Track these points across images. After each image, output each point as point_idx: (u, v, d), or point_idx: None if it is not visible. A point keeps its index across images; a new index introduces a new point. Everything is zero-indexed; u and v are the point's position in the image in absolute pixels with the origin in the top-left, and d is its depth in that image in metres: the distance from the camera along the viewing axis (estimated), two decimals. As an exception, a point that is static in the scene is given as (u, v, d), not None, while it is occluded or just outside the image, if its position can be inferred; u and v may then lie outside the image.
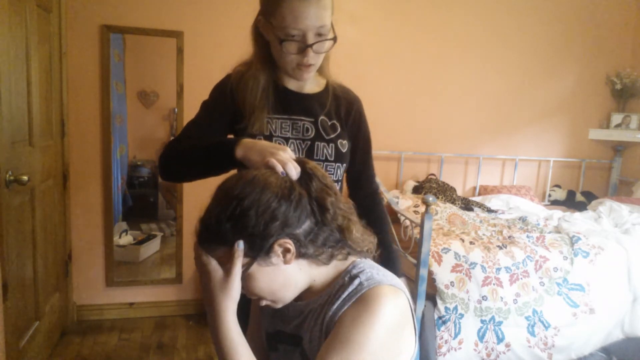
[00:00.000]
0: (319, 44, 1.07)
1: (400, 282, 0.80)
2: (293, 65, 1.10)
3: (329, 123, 1.21)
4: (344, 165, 1.24)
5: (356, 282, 0.76)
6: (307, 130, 1.18)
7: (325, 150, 1.19)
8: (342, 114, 1.24)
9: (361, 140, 1.29)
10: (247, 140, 0.95)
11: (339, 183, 1.25)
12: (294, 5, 1.01)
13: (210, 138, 1.10)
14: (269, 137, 1.14)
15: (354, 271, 0.79)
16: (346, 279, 0.78)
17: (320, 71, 1.21)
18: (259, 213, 0.71)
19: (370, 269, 0.79)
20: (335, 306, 0.75)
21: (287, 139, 1.16)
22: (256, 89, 1.14)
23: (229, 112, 1.18)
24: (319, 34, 1.06)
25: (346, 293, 0.75)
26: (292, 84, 1.20)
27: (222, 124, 1.18)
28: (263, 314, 0.96)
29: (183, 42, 2.60)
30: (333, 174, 1.21)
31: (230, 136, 1.19)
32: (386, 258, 1.28)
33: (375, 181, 1.35)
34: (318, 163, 1.16)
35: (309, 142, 1.17)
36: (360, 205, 1.28)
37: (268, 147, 0.88)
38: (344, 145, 1.22)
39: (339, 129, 1.22)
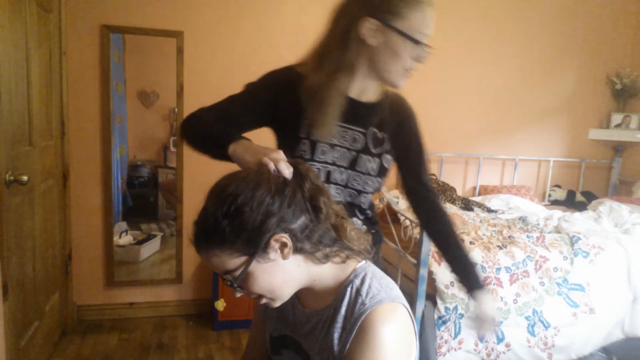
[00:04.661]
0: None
1: (397, 291, 0.81)
2: (400, 71, 1.07)
3: (379, 135, 1.16)
4: (384, 178, 1.22)
5: (359, 301, 0.77)
6: (355, 140, 1.14)
7: (369, 164, 1.16)
8: (394, 127, 1.19)
9: (413, 153, 1.23)
10: (245, 142, 0.95)
11: (371, 195, 1.23)
12: (427, 11, 1.03)
13: (221, 125, 1.07)
14: (315, 142, 1.11)
15: (356, 282, 0.80)
16: (348, 290, 0.79)
17: None
18: (254, 209, 0.72)
19: (371, 279, 0.80)
20: (341, 329, 0.77)
21: (332, 145, 1.13)
22: (340, 100, 1.08)
23: (272, 106, 1.13)
24: None
25: (350, 312, 0.77)
26: (352, 91, 1.14)
27: (258, 113, 1.14)
28: (267, 317, 0.96)
29: (183, 42, 2.60)
30: (371, 187, 1.18)
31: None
32: (466, 273, 1.27)
33: (431, 189, 1.27)
34: (359, 175, 1.15)
35: (354, 153, 1.14)
36: (422, 216, 1.28)
37: (262, 149, 0.88)
38: (388, 160, 1.19)
39: (386, 143, 1.18)
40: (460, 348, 1.98)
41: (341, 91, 1.08)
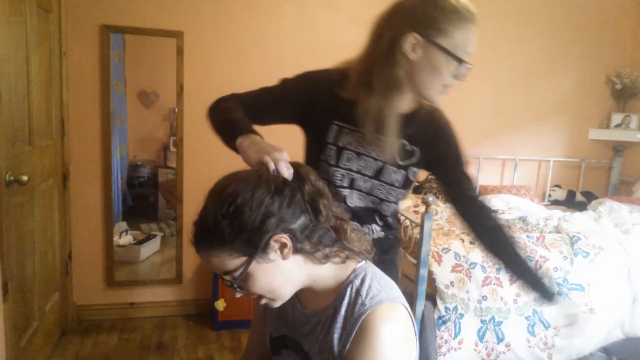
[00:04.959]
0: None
1: (397, 291, 0.81)
2: (439, 87, 1.05)
3: (408, 148, 1.15)
4: (408, 190, 1.21)
5: (359, 301, 0.77)
6: (383, 150, 1.12)
7: (394, 175, 1.15)
8: (429, 140, 1.16)
9: (451, 166, 1.23)
10: (253, 137, 0.95)
11: (397, 204, 1.22)
12: (472, 29, 1.02)
13: (243, 114, 1.07)
14: (341, 149, 1.11)
15: (356, 282, 0.80)
16: (348, 290, 0.79)
17: None
18: (254, 209, 0.72)
19: (370, 279, 0.80)
20: (341, 329, 0.77)
21: (359, 154, 1.12)
22: (397, 119, 1.05)
23: (302, 106, 1.13)
24: None
25: (350, 312, 0.77)
26: None
27: (287, 109, 1.15)
28: (267, 317, 0.96)
29: (183, 42, 2.60)
30: (394, 197, 1.18)
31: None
32: (531, 284, 1.23)
33: (475, 198, 1.27)
34: (382, 185, 1.15)
35: (380, 163, 1.13)
36: (473, 227, 1.26)
37: (266, 147, 0.88)
38: (415, 173, 1.18)
39: (415, 157, 1.16)
40: (460, 348, 1.98)
41: (396, 110, 1.06)
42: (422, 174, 3.21)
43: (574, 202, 3.35)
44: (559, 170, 3.53)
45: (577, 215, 2.77)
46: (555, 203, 3.40)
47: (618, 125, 3.43)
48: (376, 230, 1.20)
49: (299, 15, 2.75)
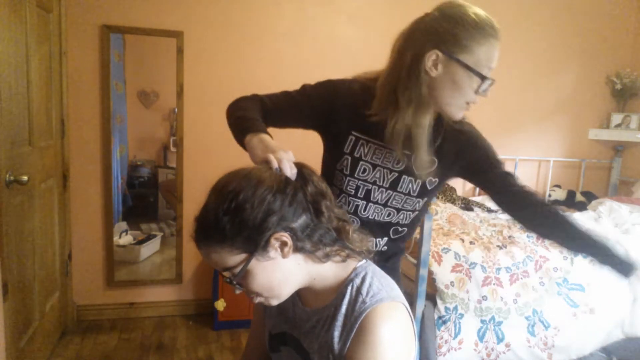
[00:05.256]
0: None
1: (398, 291, 0.81)
2: (461, 104, 1.05)
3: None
4: (425, 199, 1.19)
5: (359, 299, 0.77)
6: (399, 161, 1.11)
7: (410, 185, 1.14)
8: (454, 151, 1.15)
9: (486, 171, 1.21)
10: (262, 136, 0.95)
11: (415, 213, 1.20)
12: (495, 44, 1.02)
13: (258, 114, 1.07)
14: (357, 160, 1.12)
15: (357, 281, 0.80)
16: (349, 288, 0.79)
17: None
18: (255, 206, 0.72)
19: (371, 278, 0.80)
20: (342, 327, 0.77)
21: (374, 165, 1.12)
22: (427, 135, 1.04)
23: (321, 114, 1.13)
24: None
25: (350, 311, 0.77)
26: None
27: (305, 115, 1.15)
28: (267, 314, 0.97)
29: (183, 42, 2.60)
30: (410, 206, 1.17)
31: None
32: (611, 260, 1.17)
33: (526, 195, 1.21)
34: (399, 195, 1.14)
35: (396, 174, 1.13)
36: (539, 221, 1.19)
37: (272, 146, 0.89)
38: (433, 182, 1.16)
39: (433, 166, 1.13)
40: (460, 348, 1.98)
41: (424, 127, 1.04)
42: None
43: (574, 202, 3.35)
44: (559, 170, 3.53)
45: (577, 215, 2.77)
46: (555, 203, 3.40)
47: (618, 125, 3.43)
48: (380, 244, 1.20)
49: (298, 15, 2.75)
